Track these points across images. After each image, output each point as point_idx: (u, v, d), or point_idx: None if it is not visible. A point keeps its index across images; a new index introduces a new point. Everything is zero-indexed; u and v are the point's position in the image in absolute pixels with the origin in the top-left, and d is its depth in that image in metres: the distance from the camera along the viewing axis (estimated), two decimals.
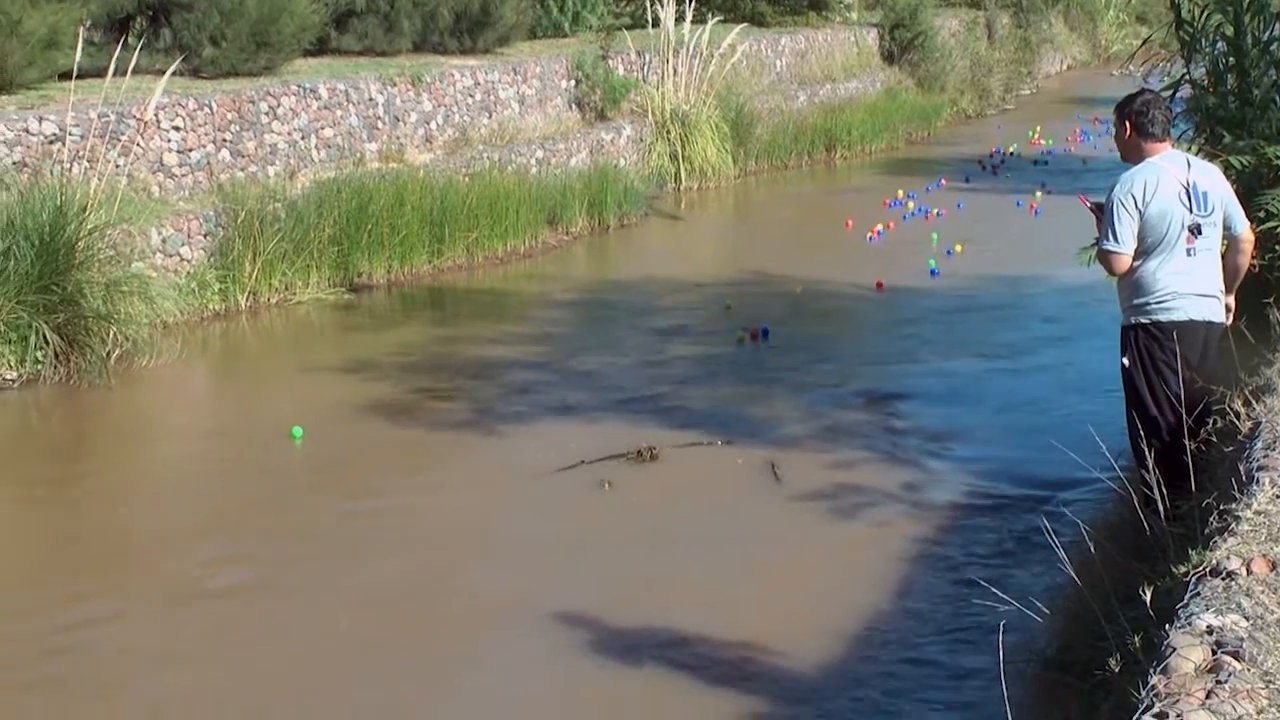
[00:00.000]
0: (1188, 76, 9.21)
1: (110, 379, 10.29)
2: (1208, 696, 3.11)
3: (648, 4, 19.41)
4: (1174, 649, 3.35)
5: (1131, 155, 6.26)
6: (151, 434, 10.05)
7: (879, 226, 15.98)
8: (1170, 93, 8.85)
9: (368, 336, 11.88)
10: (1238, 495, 4.42)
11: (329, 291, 12.94)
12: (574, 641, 6.44)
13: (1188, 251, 6.07)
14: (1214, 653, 3.32)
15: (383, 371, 10.75)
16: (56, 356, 10.28)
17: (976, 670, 5.97)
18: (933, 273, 13.74)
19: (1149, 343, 6.10)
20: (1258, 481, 4.45)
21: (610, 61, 18.65)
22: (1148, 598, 3.90)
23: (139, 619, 6.82)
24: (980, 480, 8.39)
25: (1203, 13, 9.18)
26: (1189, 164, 6.23)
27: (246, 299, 12.36)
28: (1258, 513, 4.21)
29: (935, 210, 17.08)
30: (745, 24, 21.85)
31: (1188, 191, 6.06)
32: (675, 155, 18.74)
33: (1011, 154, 22.00)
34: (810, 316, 12.52)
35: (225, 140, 13.01)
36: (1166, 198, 6.03)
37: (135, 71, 11.87)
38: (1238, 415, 5.22)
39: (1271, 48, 8.92)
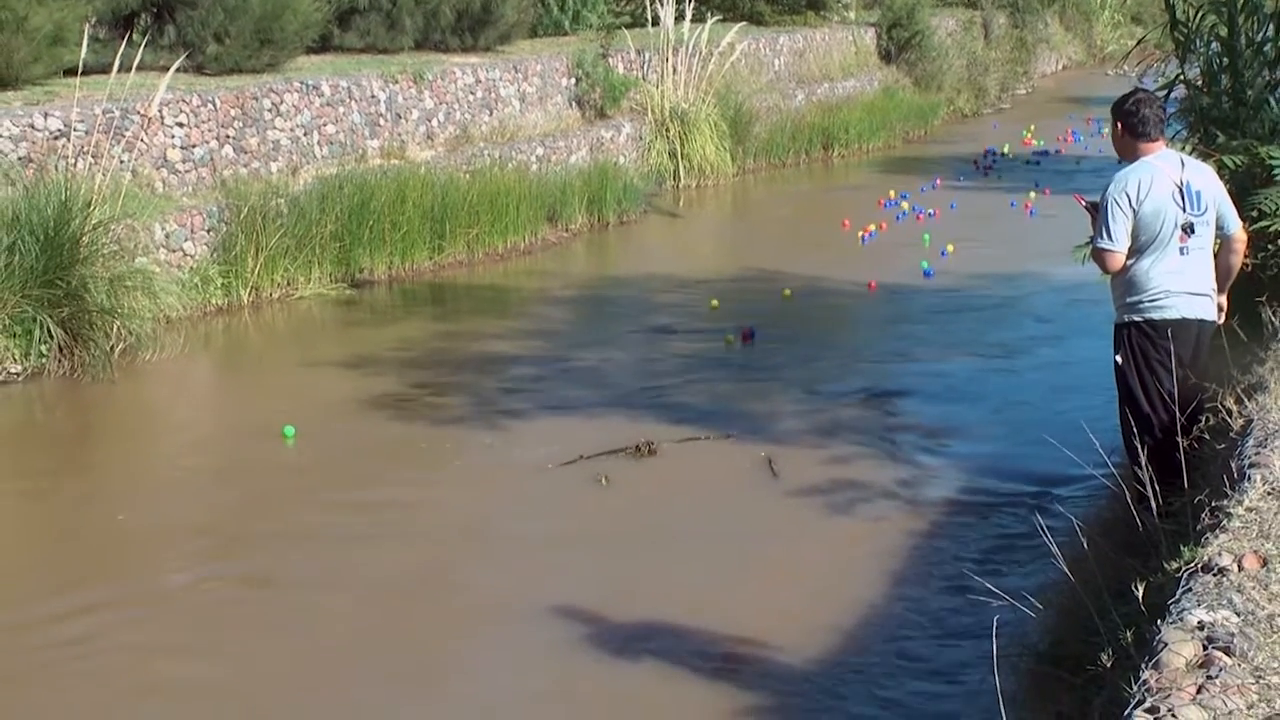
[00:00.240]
0: (1182, 77, 9.21)
1: (114, 373, 10.32)
2: (1199, 691, 3.13)
3: (647, 3, 19.44)
4: (1166, 644, 3.37)
5: (1126, 154, 6.30)
6: (154, 428, 10.09)
7: (871, 227, 15.97)
8: (1165, 93, 8.83)
9: (369, 332, 11.92)
10: (1229, 492, 4.45)
11: (331, 287, 12.99)
12: (571, 636, 6.46)
13: (1181, 250, 6.10)
14: (1205, 648, 3.34)
15: (383, 366, 10.78)
16: (61, 350, 10.30)
17: (970, 663, 5.99)
18: (926, 273, 13.74)
19: (1142, 340, 6.14)
20: (1249, 478, 4.48)
21: (610, 60, 18.68)
22: (1140, 593, 3.94)
23: (136, 613, 6.82)
24: (975, 476, 8.43)
25: (1197, 14, 9.20)
26: (1183, 163, 6.25)
27: (249, 294, 12.39)
28: (1249, 509, 4.24)
29: (928, 210, 17.05)
30: (744, 23, 21.86)
31: (1181, 191, 6.09)
32: (674, 153, 18.78)
33: (1004, 154, 21.98)
34: (805, 315, 12.53)
35: (228, 136, 13.04)
36: (1160, 197, 6.06)
37: (140, 68, 11.88)
38: (1230, 413, 5.26)
39: (1265, 49, 8.91)
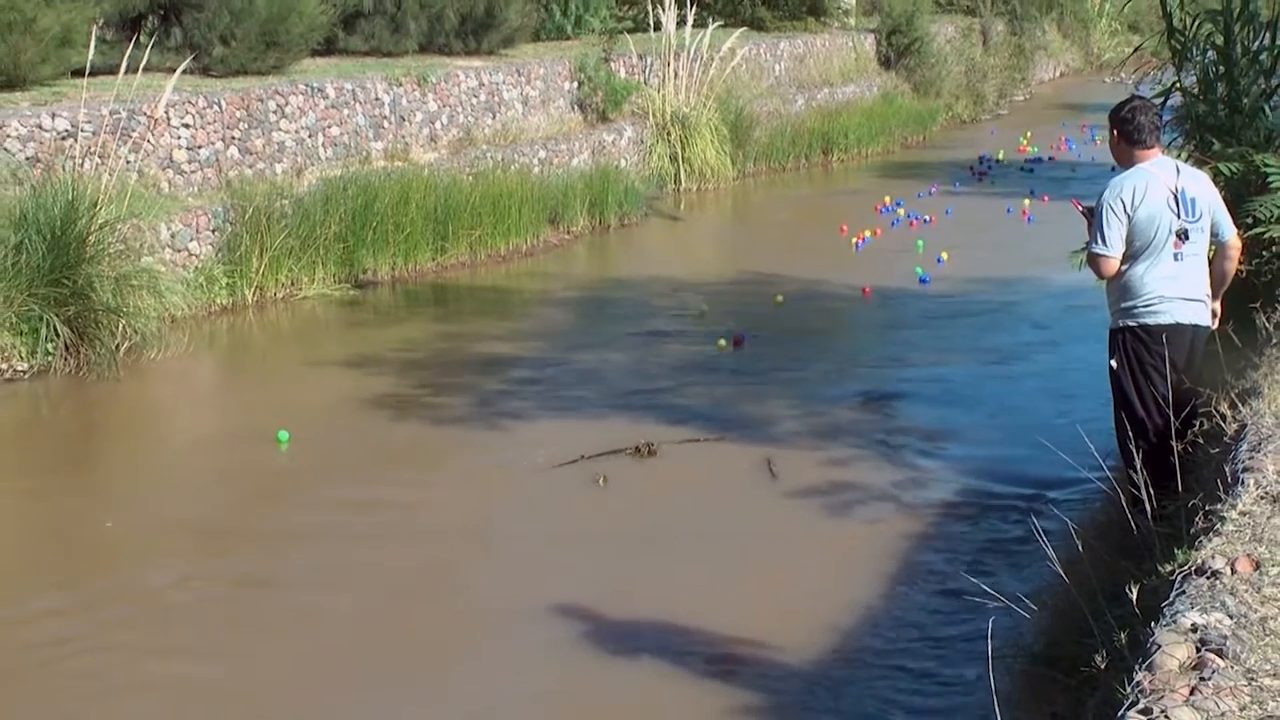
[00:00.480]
0: (1178, 84, 9.25)
1: (119, 371, 10.37)
2: (1192, 693, 3.15)
3: (649, 8, 19.52)
4: (1159, 646, 3.40)
5: (1122, 161, 6.34)
6: (158, 426, 10.13)
7: (866, 233, 15.93)
8: (1161, 100, 8.88)
9: (372, 332, 11.97)
10: (1223, 496, 4.46)
11: (334, 287, 13.05)
12: (571, 635, 6.48)
13: (1175, 256, 6.13)
14: (1198, 650, 3.36)
15: (386, 367, 10.82)
16: (67, 348, 10.36)
17: (966, 664, 6.03)
18: (922, 280, 13.71)
19: (1136, 345, 6.18)
20: (1243, 483, 4.50)
21: (612, 64, 18.75)
22: (1134, 596, 3.96)
23: (132, 612, 6.82)
24: (971, 479, 8.44)
25: (1194, 22, 9.25)
26: (1178, 170, 6.30)
27: (253, 294, 12.45)
28: (1242, 513, 4.27)
29: (924, 216, 17.02)
30: (745, 29, 21.92)
31: (1176, 197, 6.13)
32: (675, 157, 18.85)
33: (998, 161, 21.95)
34: (802, 320, 12.52)
35: (234, 138, 13.11)
36: (1155, 203, 6.10)
37: (146, 69, 11.98)
38: (1224, 417, 5.27)
39: (1260, 57, 8.96)
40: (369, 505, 8.19)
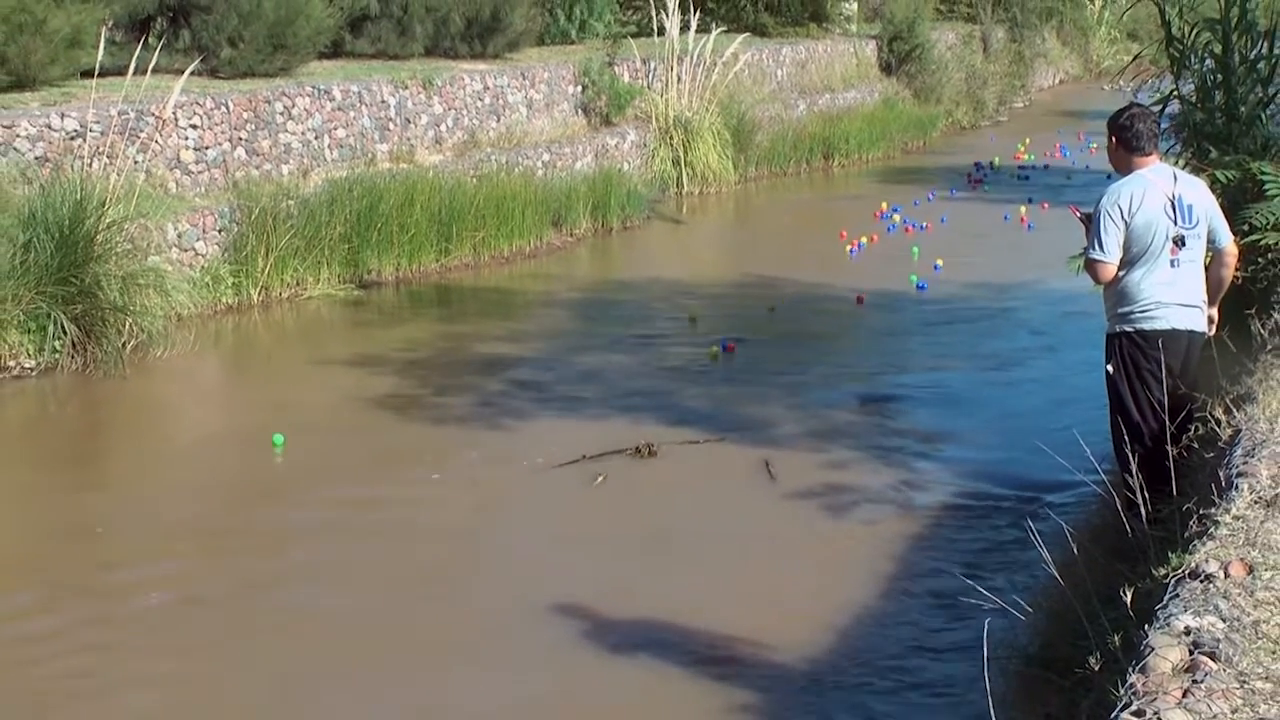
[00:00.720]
0: (1177, 92, 9.31)
1: (125, 369, 10.43)
2: (1184, 695, 3.17)
3: (653, 13, 19.61)
4: (1153, 649, 3.41)
5: (1120, 167, 6.37)
6: (163, 424, 10.17)
7: (862, 239, 15.90)
8: (1159, 108, 8.90)
9: (376, 332, 12.02)
10: (1217, 500, 4.49)
11: (339, 287, 13.10)
12: (570, 635, 6.50)
13: (1172, 263, 6.16)
14: (1191, 653, 3.37)
15: (389, 366, 10.87)
16: (74, 346, 10.42)
17: (961, 665, 6.03)
18: (920, 287, 13.67)
19: (1133, 350, 6.20)
20: (1237, 487, 4.52)
21: (616, 68, 18.81)
22: (1128, 598, 3.99)
23: (131, 607, 6.82)
24: (968, 482, 8.46)
25: (1192, 30, 9.30)
26: (1175, 177, 6.33)
27: (259, 293, 12.50)
28: (1236, 518, 4.28)
29: (922, 223, 16.99)
30: (747, 34, 21.93)
31: (1173, 204, 6.16)
32: (678, 160, 18.91)
33: (993, 167, 21.95)
34: (801, 324, 12.53)
35: (241, 139, 13.17)
36: (1152, 209, 6.13)
37: (155, 71, 11.98)
38: (1219, 423, 5.29)
39: (1258, 66, 9.03)
40: (370, 504, 8.22)
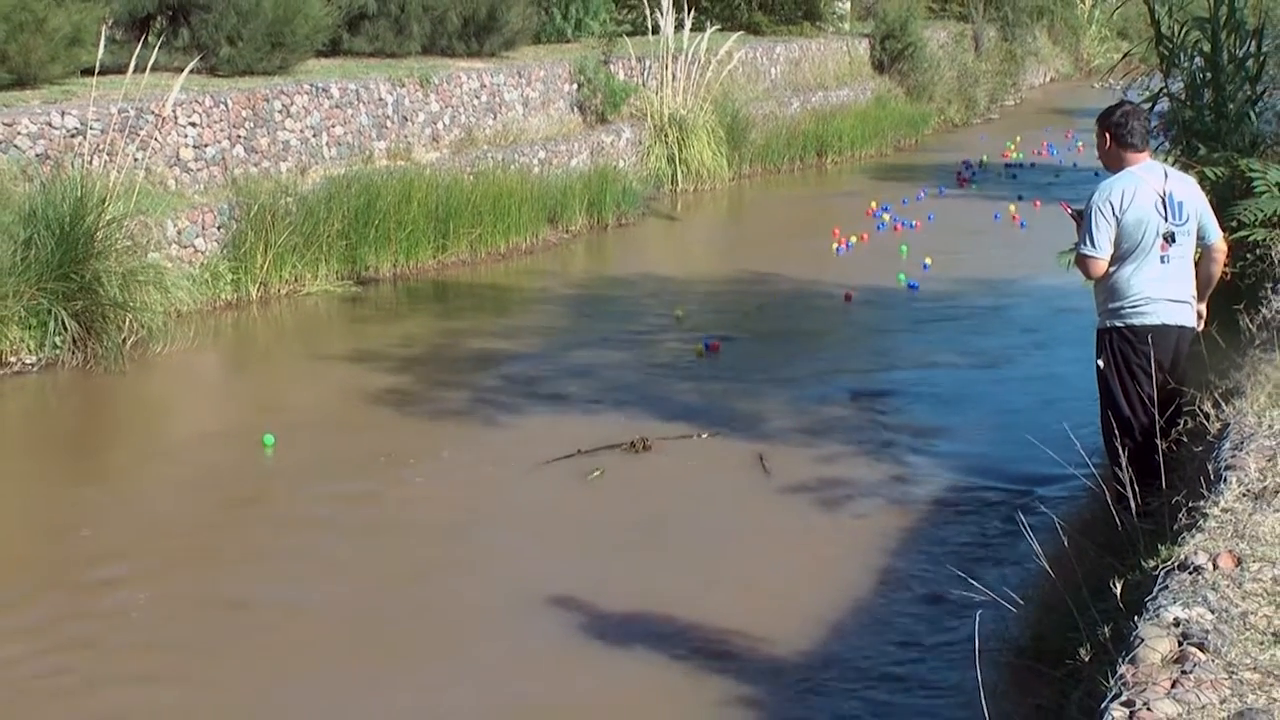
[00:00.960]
0: (1166, 90, 9.41)
1: (125, 364, 10.48)
2: (1173, 686, 3.20)
3: (648, 12, 19.64)
4: (1142, 640, 3.44)
5: (1112, 164, 6.41)
6: (162, 419, 10.21)
7: (851, 238, 15.90)
8: (1149, 106, 9.00)
9: (373, 328, 12.08)
10: (1206, 493, 4.50)
11: (337, 284, 13.16)
12: (563, 630, 6.52)
13: (1162, 259, 6.20)
14: (1180, 644, 3.40)
15: (386, 362, 10.92)
16: (74, 342, 10.47)
17: (952, 656, 6.09)
18: (911, 286, 13.67)
19: (1123, 345, 6.25)
20: (1225, 480, 4.53)
21: (611, 66, 18.88)
22: (1118, 590, 4.02)
23: (115, 603, 6.82)
24: (960, 475, 8.49)
25: (1182, 29, 9.39)
26: (1166, 174, 6.37)
27: (257, 290, 12.56)
28: (1225, 510, 4.30)
29: (911, 221, 17.01)
30: (742, 32, 22.08)
31: (1164, 201, 6.20)
32: (672, 158, 18.98)
33: (982, 165, 21.99)
34: (793, 321, 12.56)
35: (240, 136, 13.23)
36: (1143, 206, 6.17)
37: (155, 69, 12.06)
38: (1207, 417, 5.30)
39: (1246, 64, 9.11)
40: (364, 499, 8.23)
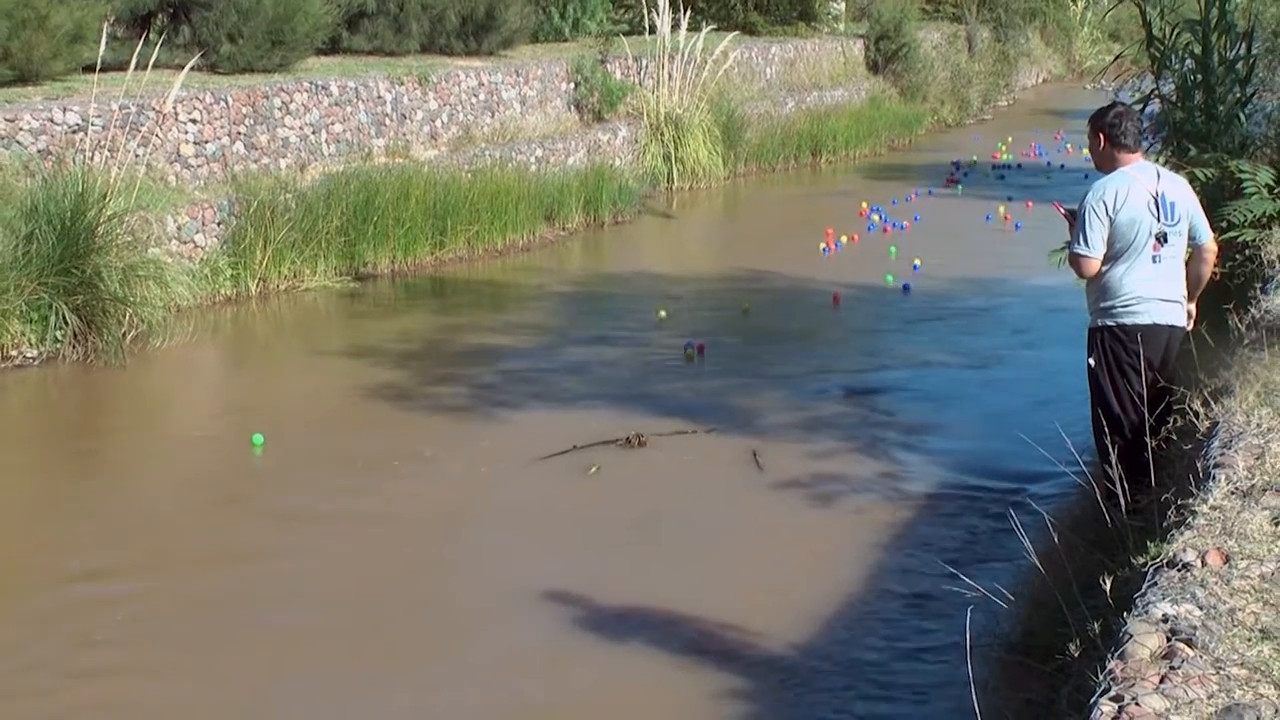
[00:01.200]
0: (1157, 92, 9.46)
1: (125, 359, 10.54)
2: (1162, 681, 3.21)
3: (645, 12, 19.70)
4: (1131, 636, 3.45)
5: (1105, 165, 6.42)
6: (162, 413, 10.25)
7: (841, 238, 15.88)
8: (1140, 107, 9.07)
9: (371, 323, 12.14)
10: (1195, 491, 4.49)
11: (335, 280, 13.22)
12: (556, 625, 6.54)
13: (1153, 258, 6.22)
14: (1169, 640, 3.41)
15: (384, 357, 10.97)
16: (75, 336, 10.52)
17: (944, 651, 6.12)
18: (905, 287, 13.68)
19: (1114, 344, 6.27)
20: (1214, 478, 4.54)
21: (608, 66, 18.97)
22: (1107, 587, 4.03)
23: (103, 598, 6.80)
24: (952, 472, 8.52)
25: (1173, 32, 9.45)
26: (1158, 175, 6.39)
27: (257, 285, 12.62)
28: (1213, 508, 4.31)
29: (902, 223, 17.03)
30: (737, 33, 22.13)
31: (1156, 201, 6.22)
32: (668, 156, 19.07)
33: (971, 166, 22.03)
34: (784, 321, 12.57)
35: (240, 133, 13.29)
36: (1136, 206, 6.20)
37: (155, 66, 12.11)
38: (1197, 415, 5.30)
39: (1237, 66, 9.19)
40: (360, 493, 8.23)
